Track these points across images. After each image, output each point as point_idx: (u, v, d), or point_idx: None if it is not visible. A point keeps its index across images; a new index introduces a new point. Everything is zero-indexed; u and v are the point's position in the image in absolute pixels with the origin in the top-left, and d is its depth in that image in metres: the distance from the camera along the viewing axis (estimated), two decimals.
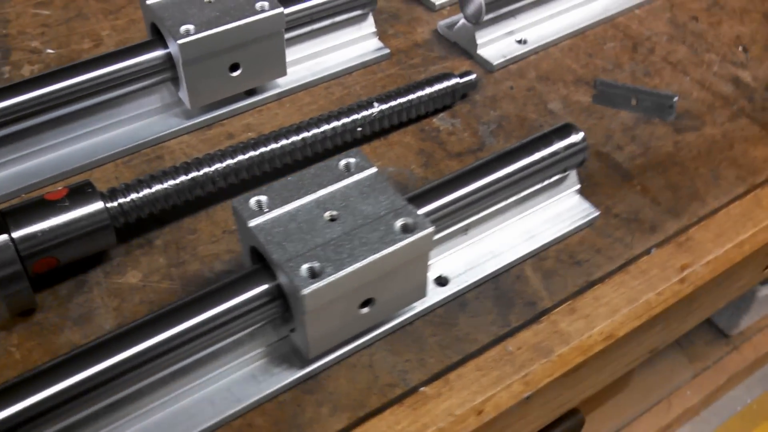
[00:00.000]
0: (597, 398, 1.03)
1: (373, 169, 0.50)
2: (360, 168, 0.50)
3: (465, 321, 0.53)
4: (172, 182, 0.56)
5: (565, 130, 0.57)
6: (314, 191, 0.49)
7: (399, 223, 0.47)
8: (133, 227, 0.57)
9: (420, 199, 0.51)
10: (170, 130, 0.64)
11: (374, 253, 0.45)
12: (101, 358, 0.43)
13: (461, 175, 0.54)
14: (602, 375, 0.59)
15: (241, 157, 0.58)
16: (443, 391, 0.50)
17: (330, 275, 0.44)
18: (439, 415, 0.49)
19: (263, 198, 0.48)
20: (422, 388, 0.50)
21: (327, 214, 0.47)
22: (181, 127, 0.64)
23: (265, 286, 0.46)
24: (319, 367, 0.49)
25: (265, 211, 0.47)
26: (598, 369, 0.57)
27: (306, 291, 0.43)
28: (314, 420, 0.48)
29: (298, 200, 0.48)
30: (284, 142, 0.60)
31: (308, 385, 0.49)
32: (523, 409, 0.53)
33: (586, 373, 0.56)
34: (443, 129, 0.67)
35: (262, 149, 0.59)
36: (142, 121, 0.64)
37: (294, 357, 0.50)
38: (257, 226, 0.47)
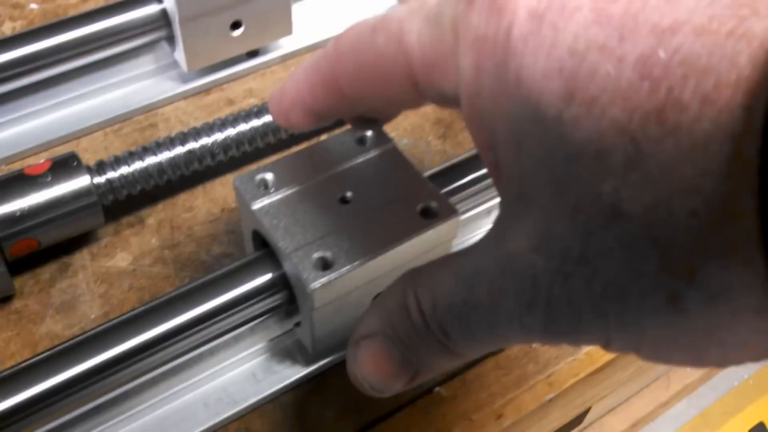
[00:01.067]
0: None
1: (391, 144, 0.45)
2: (377, 142, 0.45)
3: None
4: (167, 155, 0.51)
5: None
6: (326, 169, 0.43)
7: (421, 206, 0.41)
8: (123, 204, 0.52)
9: (442, 177, 0.46)
10: (165, 95, 0.59)
11: (393, 243, 0.40)
12: (85, 357, 0.38)
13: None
14: (627, 371, 0.55)
15: (243, 127, 0.53)
16: (460, 393, 0.46)
17: (343, 267, 0.39)
18: (454, 419, 0.45)
19: (269, 176, 0.43)
20: (437, 389, 0.46)
21: (340, 196, 0.42)
22: (177, 92, 0.59)
23: (268, 276, 0.42)
24: (325, 364, 0.45)
25: (270, 191, 0.42)
26: (623, 366, 0.53)
27: (316, 285, 0.38)
28: (318, 424, 0.43)
29: (307, 179, 0.43)
30: None
31: (313, 385, 0.45)
32: (543, 412, 0.48)
33: (612, 370, 0.51)
34: None
35: (267, 118, 0.54)
36: (133, 84, 0.59)
37: (298, 353, 0.45)
38: (262, 208, 0.42)
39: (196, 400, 0.43)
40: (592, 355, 0.48)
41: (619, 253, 0.24)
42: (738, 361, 0.24)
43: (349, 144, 0.45)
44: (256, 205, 0.42)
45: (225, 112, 0.59)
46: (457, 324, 0.29)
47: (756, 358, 0.24)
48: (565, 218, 0.25)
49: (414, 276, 0.32)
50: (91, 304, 0.48)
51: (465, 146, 0.58)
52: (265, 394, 0.43)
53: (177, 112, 0.59)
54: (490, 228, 0.29)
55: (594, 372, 0.48)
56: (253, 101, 0.60)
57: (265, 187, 0.42)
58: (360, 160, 0.44)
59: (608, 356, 0.48)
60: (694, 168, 0.22)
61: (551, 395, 0.47)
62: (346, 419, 0.44)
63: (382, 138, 0.45)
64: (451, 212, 0.41)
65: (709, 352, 0.24)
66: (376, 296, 0.40)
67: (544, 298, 0.26)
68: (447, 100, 0.31)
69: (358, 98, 0.35)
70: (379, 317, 0.33)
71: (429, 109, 0.60)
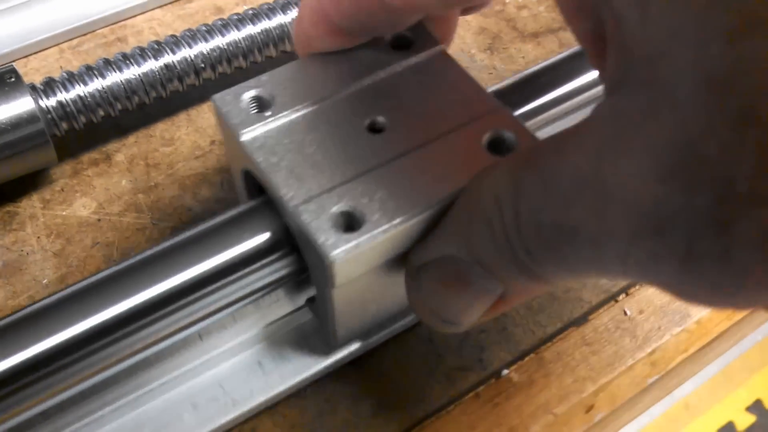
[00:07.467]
0: None
1: (439, 48, 0.32)
2: (420, 45, 0.32)
3: None
4: (136, 71, 0.39)
5: None
6: (347, 83, 0.31)
7: (488, 136, 0.29)
8: (83, 136, 0.40)
9: (509, 96, 0.34)
10: (136, 2, 0.47)
11: (450, 191, 0.27)
12: (31, 339, 0.27)
13: (564, 61, 0.36)
14: (729, 342, 0.44)
15: (235, 35, 0.41)
16: (536, 378, 0.34)
17: (377, 227, 0.26)
18: (531, 413, 0.33)
19: (263, 93, 0.30)
20: (505, 372, 0.34)
21: (369, 121, 0.30)
22: None
23: (265, 235, 0.29)
24: (356, 351, 0.33)
25: (267, 115, 0.30)
26: (729, 336, 0.41)
27: (337, 254, 0.26)
28: (350, 424, 0.32)
29: (321, 97, 0.30)
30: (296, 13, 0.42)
31: (341, 374, 0.33)
32: (638, 398, 0.37)
33: (717, 343, 0.40)
34: (510, 1, 0.49)
35: (265, 24, 0.41)
36: None
37: (316, 335, 0.33)
38: (254, 140, 0.29)
39: (181, 400, 0.31)
40: (703, 324, 0.36)
41: None
42: None
43: (379, 47, 0.32)
44: (247, 135, 0.29)
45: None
46: (545, 248, 0.22)
47: None
48: (726, 126, 0.17)
49: (494, 181, 0.24)
50: (44, 266, 0.36)
51: (518, 62, 0.45)
52: (277, 391, 0.32)
53: (152, 23, 0.46)
54: (591, 117, 0.20)
55: (704, 346, 0.37)
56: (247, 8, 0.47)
57: (259, 109, 0.30)
58: (396, 69, 0.32)
59: (724, 324, 0.37)
60: None
61: (654, 378, 0.35)
62: (386, 417, 0.32)
63: (425, 39, 0.32)
64: (532, 144, 0.29)
65: None
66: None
67: (681, 252, 0.18)
68: None
69: (394, 4, 0.28)
70: (452, 236, 0.26)
71: (471, 16, 0.48)
